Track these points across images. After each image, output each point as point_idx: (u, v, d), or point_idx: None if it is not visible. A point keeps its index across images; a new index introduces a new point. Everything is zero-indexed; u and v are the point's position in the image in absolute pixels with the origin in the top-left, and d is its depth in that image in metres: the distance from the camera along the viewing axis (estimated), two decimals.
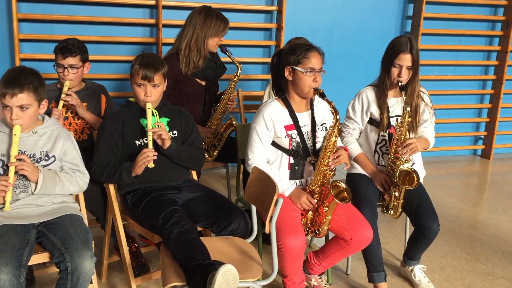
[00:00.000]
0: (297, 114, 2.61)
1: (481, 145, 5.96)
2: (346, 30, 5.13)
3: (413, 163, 2.95)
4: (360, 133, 3.03)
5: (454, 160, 5.77)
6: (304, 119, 2.63)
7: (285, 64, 2.56)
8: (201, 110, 3.43)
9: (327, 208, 2.52)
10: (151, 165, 2.36)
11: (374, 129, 2.93)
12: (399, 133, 2.76)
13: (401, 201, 2.81)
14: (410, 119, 2.76)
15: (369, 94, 2.93)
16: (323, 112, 2.69)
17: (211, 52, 3.36)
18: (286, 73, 2.57)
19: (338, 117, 2.46)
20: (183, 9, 4.37)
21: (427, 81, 5.50)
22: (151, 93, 2.46)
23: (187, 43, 3.26)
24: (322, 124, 2.68)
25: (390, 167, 2.84)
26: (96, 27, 4.28)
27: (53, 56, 2.87)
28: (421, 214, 2.75)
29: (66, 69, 2.80)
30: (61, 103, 2.77)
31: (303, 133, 2.61)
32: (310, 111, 2.66)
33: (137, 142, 2.51)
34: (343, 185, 2.50)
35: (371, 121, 2.93)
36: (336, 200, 2.44)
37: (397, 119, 2.88)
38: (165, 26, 4.35)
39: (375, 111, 2.90)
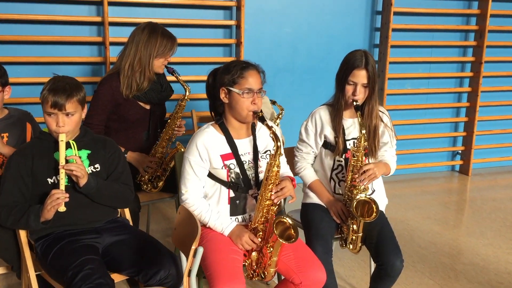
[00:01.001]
0: (236, 141, 2.30)
1: (458, 160, 5.69)
2: (312, 44, 4.86)
3: (373, 191, 2.65)
4: (315, 157, 2.72)
5: (431, 177, 5.49)
6: (244, 146, 2.32)
7: (220, 85, 2.25)
8: (145, 137, 3.10)
9: (271, 249, 2.19)
10: (61, 208, 2.03)
11: (329, 154, 2.62)
12: (355, 158, 2.46)
13: (360, 234, 2.50)
14: (366, 143, 2.46)
15: (323, 115, 2.63)
16: (266, 137, 2.38)
17: (156, 74, 3.04)
18: (222, 95, 2.26)
19: (279, 144, 2.14)
20: (131, 25, 4.06)
21: (399, 95, 5.23)
22: (63, 123, 2.13)
23: (130, 63, 2.93)
24: (266, 152, 2.36)
25: (347, 196, 2.53)
26: (34, 46, 3.95)
27: None
28: (381, 250, 2.43)
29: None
30: None
31: (244, 162, 2.29)
32: (251, 137, 2.35)
33: (49, 180, 2.18)
34: (289, 221, 2.17)
35: (326, 145, 2.63)
36: (281, 240, 2.12)
37: (354, 142, 2.58)
38: (112, 44, 4.03)
39: (330, 134, 2.60)
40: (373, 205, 2.42)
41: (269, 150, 2.36)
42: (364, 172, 2.44)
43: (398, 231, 3.88)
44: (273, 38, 4.70)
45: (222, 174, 2.27)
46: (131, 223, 2.47)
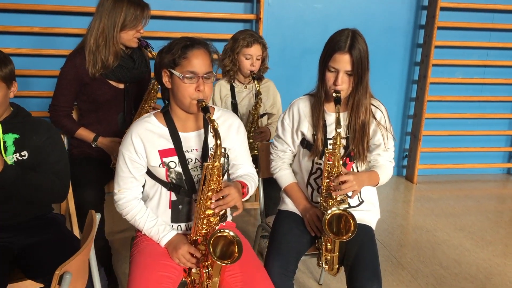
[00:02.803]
0: (181, 134, 1.91)
1: None
2: (346, 23, 4.25)
3: (360, 202, 2.18)
4: (294, 156, 2.29)
5: (479, 180, 4.81)
6: (190, 141, 1.93)
7: (161, 66, 1.87)
8: (121, 119, 2.79)
9: (210, 269, 1.81)
10: None
11: (307, 154, 2.18)
12: (330, 163, 2.00)
13: (336, 254, 2.06)
14: (342, 144, 1.99)
15: (302, 107, 2.18)
16: (221, 131, 1.97)
17: (130, 48, 2.71)
18: (164, 79, 1.88)
19: (218, 142, 1.74)
20: None
21: (446, 84, 4.57)
22: None
23: (94, 37, 2.61)
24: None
25: (323, 206, 2.08)
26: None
27: None
28: (355, 273, 1.98)
29: None
30: None
31: (188, 160, 1.91)
32: (202, 130, 1.95)
33: None
34: (231, 233, 1.77)
35: (303, 143, 2.18)
36: (218, 261, 1.72)
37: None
38: None
39: (307, 130, 2.15)
40: (351, 220, 1.95)
41: (224, 148, 1.96)
42: (341, 183, 1.97)
43: (421, 243, 3.36)
44: (300, 15, 4.21)
45: (161, 173, 1.91)
46: (73, 221, 2.17)
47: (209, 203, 1.78)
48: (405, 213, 3.93)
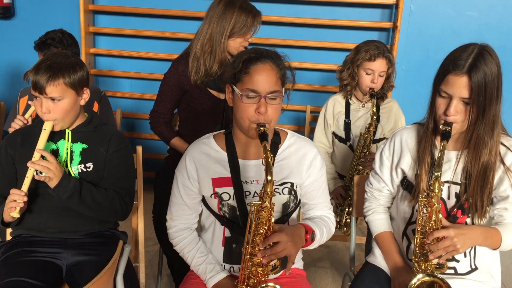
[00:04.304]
0: (241, 162, 1.63)
1: None
2: (508, 34, 3.60)
3: (472, 269, 1.68)
4: (393, 198, 1.85)
5: None
6: (251, 170, 1.63)
7: (225, 80, 1.61)
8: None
9: None
10: (14, 214, 1.70)
11: (407, 198, 1.73)
12: (426, 213, 1.54)
13: None
14: (439, 193, 1.51)
15: (406, 138, 1.75)
16: (291, 163, 1.64)
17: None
18: (228, 95, 1.61)
19: (269, 178, 1.41)
20: None
21: None
22: (47, 109, 1.78)
23: (201, 43, 2.47)
24: (284, 183, 1.63)
25: (415, 267, 1.62)
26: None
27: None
28: None
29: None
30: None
31: (245, 193, 1.62)
32: None
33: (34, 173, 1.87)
34: None
35: (404, 183, 1.74)
36: None
37: (449, 187, 1.65)
38: None
39: (409, 167, 1.71)
40: None
41: (291, 182, 1.63)
42: (438, 240, 1.51)
43: None
44: (448, 23, 3.60)
45: (214, 204, 1.65)
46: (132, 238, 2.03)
47: (257, 249, 1.47)
48: None
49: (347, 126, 2.74)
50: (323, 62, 3.65)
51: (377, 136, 2.68)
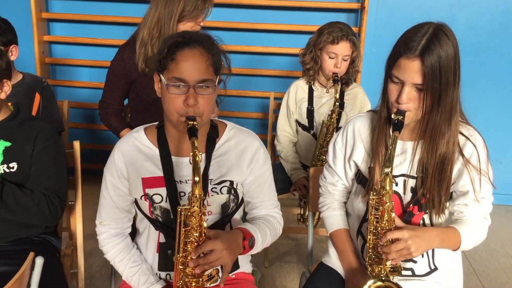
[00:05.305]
0: (174, 159, 1.46)
1: None
2: (478, 14, 3.46)
3: (432, 270, 1.55)
4: (349, 193, 1.70)
5: None
6: (186, 169, 1.46)
7: (151, 68, 1.44)
8: None
9: None
10: None
11: (361, 192, 1.58)
12: (378, 212, 1.40)
13: None
14: (391, 190, 1.36)
15: (359, 127, 1.59)
16: (230, 158, 1.48)
17: None
18: (156, 84, 1.44)
19: (196, 179, 1.25)
20: None
21: None
22: None
23: (148, 27, 2.28)
24: (221, 182, 1.47)
25: (370, 269, 1.48)
26: None
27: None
28: None
29: None
30: None
31: (180, 194, 1.45)
32: (203, 155, 1.47)
33: None
34: None
35: (358, 177, 1.60)
36: None
37: (404, 181, 1.50)
38: None
39: (362, 159, 1.56)
40: None
41: (229, 181, 1.46)
42: (391, 243, 1.36)
43: None
44: (419, 3, 3.45)
45: (145, 207, 1.48)
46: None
47: (189, 259, 1.31)
48: None
49: (310, 113, 2.59)
50: (289, 46, 3.48)
51: (341, 124, 2.53)
